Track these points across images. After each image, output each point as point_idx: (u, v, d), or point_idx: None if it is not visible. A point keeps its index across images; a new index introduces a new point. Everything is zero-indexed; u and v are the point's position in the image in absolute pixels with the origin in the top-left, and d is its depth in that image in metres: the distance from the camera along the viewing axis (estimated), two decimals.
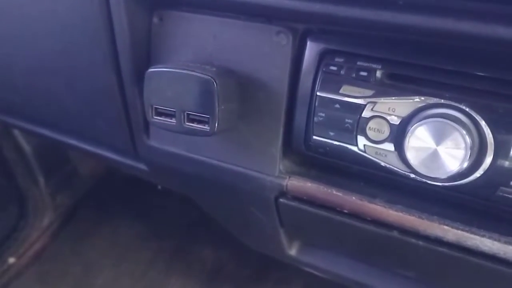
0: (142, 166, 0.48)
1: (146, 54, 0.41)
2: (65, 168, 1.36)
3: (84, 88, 0.45)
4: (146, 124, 0.43)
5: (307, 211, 0.40)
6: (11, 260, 1.26)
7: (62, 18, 0.41)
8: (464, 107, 0.31)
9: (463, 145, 0.30)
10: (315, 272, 0.50)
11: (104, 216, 1.37)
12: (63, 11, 0.40)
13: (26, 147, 1.22)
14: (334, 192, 0.38)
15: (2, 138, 1.19)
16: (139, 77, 0.41)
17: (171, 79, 0.36)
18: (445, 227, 0.34)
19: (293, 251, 0.48)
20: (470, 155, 0.30)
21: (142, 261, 1.26)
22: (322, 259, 0.47)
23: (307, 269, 0.50)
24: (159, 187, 1.14)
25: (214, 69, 0.36)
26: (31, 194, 1.30)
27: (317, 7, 0.32)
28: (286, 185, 0.40)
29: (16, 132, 1.20)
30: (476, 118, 0.31)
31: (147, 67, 0.40)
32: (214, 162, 0.41)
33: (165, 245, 1.28)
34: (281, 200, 0.41)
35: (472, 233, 0.34)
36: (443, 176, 0.31)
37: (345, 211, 0.38)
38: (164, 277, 1.22)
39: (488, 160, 0.31)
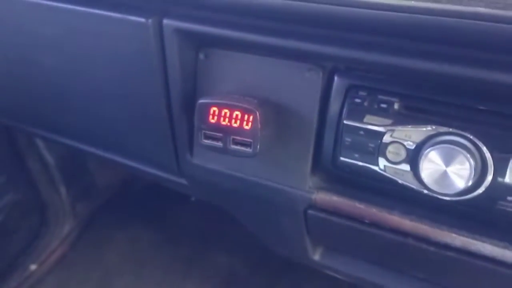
0: (183, 181, 0.55)
1: (193, 85, 0.48)
2: (84, 179, 1.42)
3: (135, 113, 0.51)
4: (191, 145, 0.50)
5: (332, 221, 0.47)
6: (33, 267, 1.32)
7: (121, 54, 0.48)
8: (468, 135, 0.38)
9: (468, 166, 0.37)
10: (336, 275, 0.56)
11: (122, 224, 1.43)
12: (123, 48, 0.47)
13: (50, 159, 1.28)
14: (357, 205, 0.44)
15: (27, 150, 1.26)
16: (186, 106, 0.48)
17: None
18: (453, 234, 0.41)
19: (316, 256, 0.54)
20: (474, 175, 0.37)
21: (160, 267, 1.31)
22: (343, 263, 0.53)
23: (328, 272, 0.56)
24: (193, 198, 1.20)
25: (256, 100, 0.43)
26: (52, 203, 1.36)
27: (345, 53, 0.38)
28: (315, 198, 0.46)
29: (41, 144, 1.26)
30: (478, 144, 0.37)
31: (193, 97, 0.47)
32: (252, 178, 0.48)
33: (181, 252, 1.34)
34: (309, 211, 0.47)
35: (475, 239, 0.40)
36: (452, 192, 0.38)
37: (366, 221, 0.45)
38: (181, 282, 1.27)
39: (489, 178, 0.37)
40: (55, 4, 0.48)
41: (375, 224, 0.44)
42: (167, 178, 0.56)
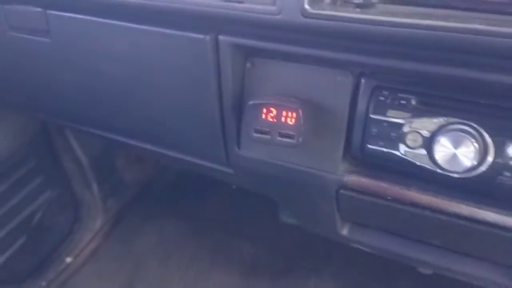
0: (230, 170, 0.64)
1: (241, 89, 0.57)
2: (113, 177, 1.52)
3: (191, 114, 0.61)
4: (238, 139, 0.59)
5: (360, 199, 0.56)
6: (68, 259, 1.42)
7: (181, 64, 0.57)
8: (472, 124, 0.47)
9: (472, 149, 0.46)
10: (361, 247, 0.66)
11: (149, 218, 1.52)
12: (183, 60, 0.57)
13: (83, 159, 1.38)
14: (382, 184, 0.54)
15: (63, 152, 1.36)
16: (235, 106, 0.58)
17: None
18: (462, 205, 0.50)
19: (344, 231, 0.64)
20: (477, 155, 0.46)
21: (187, 256, 1.41)
22: (367, 236, 0.63)
23: (354, 245, 0.66)
24: (234, 186, 1.29)
25: (298, 100, 0.52)
26: (85, 200, 1.46)
27: (370, 60, 0.48)
28: (346, 180, 0.56)
29: (75, 146, 1.36)
30: (481, 131, 0.47)
31: (241, 99, 0.56)
32: (291, 166, 0.57)
33: (206, 242, 1.43)
34: (341, 191, 0.57)
35: (480, 209, 0.49)
36: (460, 170, 0.47)
37: (389, 197, 0.54)
38: (207, 270, 1.37)
39: (490, 158, 0.47)
40: (124, 24, 0.58)
41: (397, 200, 0.54)
42: (216, 169, 0.65)
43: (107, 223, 1.49)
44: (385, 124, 0.50)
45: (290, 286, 1.29)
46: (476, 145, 0.46)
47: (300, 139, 0.52)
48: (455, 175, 0.49)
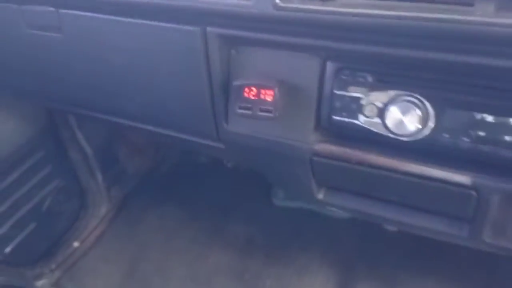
0: (221, 145, 0.74)
1: (227, 72, 0.67)
2: (116, 166, 1.62)
3: (184, 96, 0.71)
4: (226, 116, 0.69)
5: (331, 164, 0.66)
6: (76, 244, 1.51)
7: (174, 53, 0.67)
8: (417, 95, 0.57)
9: (416, 116, 0.56)
10: (336, 210, 0.76)
11: (151, 205, 1.62)
12: (176, 49, 0.67)
13: (89, 150, 1.48)
14: (347, 150, 0.64)
15: (70, 143, 1.45)
16: (223, 87, 0.67)
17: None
18: (413, 165, 0.60)
19: (320, 196, 0.74)
20: (422, 121, 0.56)
21: (187, 238, 1.51)
22: (340, 199, 0.73)
23: (330, 208, 0.76)
24: (229, 164, 1.39)
25: (275, 81, 0.62)
26: (90, 188, 1.55)
27: (334, 46, 0.58)
28: (317, 148, 0.66)
29: (81, 137, 1.46)
30: (424, 101, 0.56)
31: (228, 81, 0.66)
32: (271, 137, 0.67)
33: (204, 225, 1.53)
34: (314, 158, 0.67)
35: (427, 167, 0.59)
36: (407, 134, 0.57)
37: (353, 162, 0.64)
38: (205, 251, 1.47)
39: (431, 123, 0.57)
40: (125, 19, 0.68)
41: (359, 163, 0.64)
42: (209, 145, 0.75)
43: (111, 210, 1.58)
44: (347, 98, 0.60)
45: (283, 263, 1.38)
46: (419, 112, 0.56)
47: (277, 113, 0.62)
48: (405, 139, 0.58)
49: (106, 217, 1.57)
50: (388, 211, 0.70)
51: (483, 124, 0.54)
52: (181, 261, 1.44)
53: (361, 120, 0.60)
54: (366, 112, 0.59)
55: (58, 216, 1.48)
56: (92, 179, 1.53)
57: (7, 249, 1.32)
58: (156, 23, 0.65)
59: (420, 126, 0.56)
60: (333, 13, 0.54)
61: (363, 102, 0.60)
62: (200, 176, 1.69)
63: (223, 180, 1.65)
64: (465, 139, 0.56)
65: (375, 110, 0.59)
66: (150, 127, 0.80)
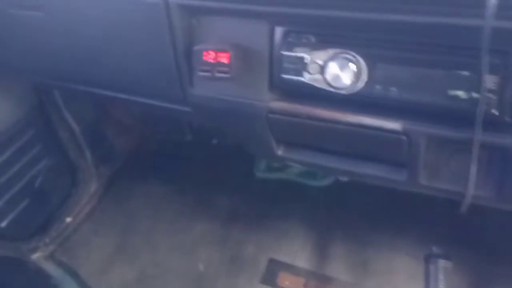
0: (187, 109, 0.82)
1: (190, 39, 0.75)
2: (104, 145, 1.69)
3: (152, 63, 0.78)
4: (191, 80, 0.77)
5: (284, 120, 0.74)
6: (68, 219, 1.58)
7: (142, 22, 0.75)
8: (352, 52, 0.64)
9: (352, 71, 0.64)
10: (295, 164, 0.84)
11: (138, 181, 1.70)
12: (143, 19, 0.74)
13: (76, 127, 1.55)
14: (297, 106, 0.72)
15: (58, 122, 1.52)
16: (186, 53, 0.75)
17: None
18: (353, 115, 0.68)
19: (279, 152, 0.82)
20: (356, 76, 0.64)
21: (173, 211, 1.59)
22: (297, 153, 0.81)
23: (289, 163, 0.84)
24: (214, 141, 1.47)
25: (230, 45, 0.70)
26: (80, 166, 1.62)
27: (280, 11, 0.65)
28: (272, 106, 0.73)
29: (69, 116, 1.53)
30: (358, 57, 0.64)
31: (190, 47, 0.74)
32: (231, 98, 0.75)
33: (189, 199, 1.61)
34: (269, 115, 0.75)
35: (364, 116, 0.67)
36: (344, 87, 0.65)
37: (303, 116, 0.72)
38: (191, 222, 1.55)
39: (364, 78, 0.64)
40: None
41: (308, 118, 0.72)
42: (178, 109, 0.83)
43: (100, 187, 1.66)
44: (293, 58, 0.68)
45: (263, 230, 1.47)
46: (354, 68, 0.64)
47: (233, 74, 0.69)
48: (343, 92, 0.66)
49: (96, 193, 1.65)
50: (338, 162, 0.78)
51: (409, 75, 0.62)
52: (168, 232, 1.53)
53: (306, 77, 0.68)
54: (310, 70, 0.67)
55: (50, 193, 1.55)
56: (81, 157, 1.60)
57: (3, 224, 1.40)
58: None
59: (355, 80, 0.64)
60: None
61: (307, 61, 0.67)
62: (185, 153, 1.76)
63: (207, 156, 1.73)
64: (394, 89, 0.64)
65: (317, 68, 0.67)
66: (124, 96, 0.88)
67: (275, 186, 1.59)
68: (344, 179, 0.89)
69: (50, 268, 1.49)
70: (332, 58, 0.65)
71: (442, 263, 0.82)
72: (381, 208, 1.43)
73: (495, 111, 0.59)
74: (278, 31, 0.69)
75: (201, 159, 1.74)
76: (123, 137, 1.72)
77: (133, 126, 1.73)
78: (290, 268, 1.38)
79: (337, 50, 0.65)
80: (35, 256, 1.50)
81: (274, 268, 1.39)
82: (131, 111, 1.63)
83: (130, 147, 1.74)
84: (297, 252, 1.41)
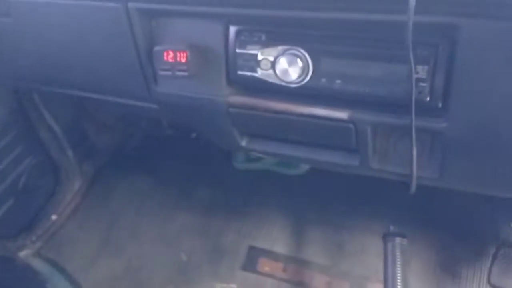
0: (154, 106, 0.87)
1: (151, 40, 0.79)
2: (85, 143, 1.72)
3: (117, 64, 0.83)
4: (155, 78, 0.82)
5: (244, 113, 0.79)
6: (54, 217, 1.62)
7: (104, 27, 0.79)
8: (299, 48, 0.69)
9: (299, 66, 0.69)
10: (258, 154, 0.89)
11: (121, 177, 1.74)
12: (105, 23, 0.78)
13: (57, 127, 1.58)
14: (253, 100, 0.77)
15: (38, 123, 1.55)
16: (149, 53, 0.79)
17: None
18: (303, 107, 0.73)
19: (244, 143, 0.87)
20: (303, 70, 0.69)
21: (155, 204, 1.63)
22: (259, 144, 0.86)
23: (253, 153, 0.89)
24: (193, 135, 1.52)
25: (187, 45, 0.74)
26: (62, 165, 1.65)
27: (234, 12, 0.70)
28: (231, 100, 0.78)
29: (48, 117, 1.56)
30: (304, 53, 0.69)
31: (152, 47, 0.78)
32: (193, 94, 0.80)
33: (171, 192, 1.66)
34: (230, 109, 0.80)
35: (314, 107, 0.72)
36: (293, 81, 0.70)
37: (260, 109, 0.77)
38: (173, 214, 1.59)
39: (310, 72, 0.69)
40: (60, 1, 0.79)
41: (264, 110, 0.77)
42: (146, 106, 0.88)
43: (84, 184, 1.69)
44: (246, 55, 0.73)
45: (243, 219, 1.53)
46: (301, 63, 0.69)
47: (191, 72, 0.74)
48: (293, 85, 0.71)
49: (80, 190, 1.68)
50: (298, 151, 0.84)
51: (351, 68, 0.68)
52: (151, 225, 1.58)
53: (259, 72, 0.73)
54: (262, 66, 0.72)
55: (34, 191, 1.59)
56: (64, 156, 1.64)
57: None
58: (85, 2, 0.77)
59: (302, 74, 0.69)
60: None
61: (259, 57, 0.72)
62: (166, 148, 1.81)
63: (187, 150, 1.78)
64: (338, 81, 0.69)
65: (269, 64, 0.72)
66: (96, 96, 0.92)
67: (253, 176, 1.65)
68: (306, 166, 0.95)
69: (38, 264, 1.54)
70: (281, 54, 0.70)
71: (398, 240, 0.88)
72: (354, 193, 1.50)
73: (427, 98, 0.64)
74: (232, 30, 0.74)
75: (182, 153, 1.79)
76: (105, 135, 1.75)
77: (114, 123, 1.77)
78: (269, 254, 1.44)
79: (286, 47, 0.70)
80: (22, 253, 1.54)
81: (254, 254, 1.44)
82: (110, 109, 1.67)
83: (112, 144, 1.78)
84: (275, 238, 1.47)
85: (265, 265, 1.42)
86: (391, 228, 0.92)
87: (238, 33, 0.73)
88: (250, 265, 1.43)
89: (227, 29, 0.74)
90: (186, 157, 1.76)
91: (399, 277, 0.85)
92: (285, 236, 1.47)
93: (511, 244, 1.16)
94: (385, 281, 0.87)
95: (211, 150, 1.67)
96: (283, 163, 1.61)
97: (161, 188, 1.68)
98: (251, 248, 1.46)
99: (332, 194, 1.53)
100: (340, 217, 1.47)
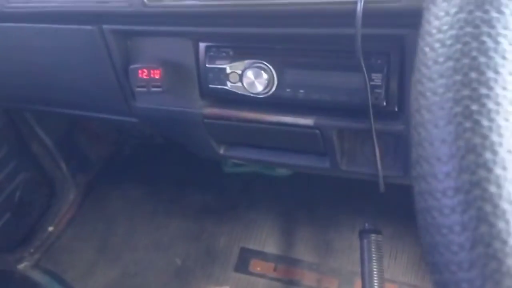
0: (135, 119, 0.91)
1: (127, 59, 0.83)
2: (78, 155, 1.76)
3: (97, 83, 0.87)
4: (133, 94, 0.86)
5: (218, 123, 0.83)
6: (50, 228, 1.66)
7: (81, 49, 0.83)
8: (264, 62, 0.73)
9: (264, 78, 0.73)
10: (237, 161, 0.93)
11: (114, 186, 1.78)
12: (81, 45, 0.82)
13: (48, 142, 1.62)
14: (226, 111, 0.81)
15: (30, 138, 1.59)
16: (125, 71, 0.84)
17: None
18: (272, 115, 0.78)
19: (222, 151, 0.91)
20: (268, 82, 0.73)
21: (149, 211, 1.68)
22: (236, 151, 0.90)
23: (232, 160, 0.93)
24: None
25: (160, 62, 0.79)
26: (57, 177, 1.69)
27: (203, 30, 0.74)
28: (205, 112, 0.83)
29: (39, 131, 1.60)
30: (269, 66, 0.73)
31: (128, 65, 0.83)
32: (170, 108, 0.84)
33: (163, 198, 1.70)
34: (205, 121, 0.84)
35: (282, 115, 0.77)
36: (260, 92, 0.74)
37: (233, 119, 0.81)
38: (166, 220, 1.64)
39: (275, 83, 0.74)
40: (37, 25, 0.84)
41: (237, 120, 0.81)
42: (127, 120, 0.92)
43: (79, 195, 1.74)
44: (216, 70, 0.77)
45: (234, 221, 1.57)
46: (266, 75, 0.73)
47: (165, 88, 0.79)
48: (260, 96, 0.76)
49: (74, 201, 1.73)
50: (273, 156, 0.88)
51: (312, 78, 0.72)
52: (146, 232, 1.62)
53: (229, 85, 0.77)
54: (231, 79, 0.77)
55: (30, 205, 1.63)
56: (57, 169, 1.68)
57: None
58: (62, 26, 0.81)
59: (268, 85, 0.74)
60: (186, 6, 0.70)
61: (227, 71, 0.77)
62: (157, 156, 1.85)
63: (178, 157, 1.82)
64: (302, 91, 0.73)
65: (237, 77, 0.76)
66: (81, 112, 0.96)
67: (242, 179, 1.69)
68: (282, 170, 0.99)
69: (37, 276, 1.58)
70: (248, 68, 0.74)
71: (373, 237, 0.92)
72: (340, 192, 1.54)
73: (383, 103, 0.68)
74: (201, 47, 0.78)
75: (172, 160, 1.83)
76: (97, 146, 1.80)
77: (106, 134, 1.82)
78: (260, 255, 1.48)
79: (252, 61, 0.75)
80: (21, 266, 1.58)
81: (245, 256, 1.49)
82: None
83: (105, 154, 1.82)
84: (265, 239, 1.51)
85: (257, 265, 1.47)
86: (366, 225, 0.96)
87: (207, 49, 0.78)
88: (242, 266, 1.47)
89: (197, 46, 0.78)
90: (176, 163, 1.81)
91: (375, 273, 0.89)
92: (275, 237, 1.51)
93: None
94: (362, 278, 0.91)
95: (200, 157, 1.71)
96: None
97: (153, 195, 1.72)
98: (243, 250, 1.50)
99: (319, 194, 1.58)
100: (327, 216, 1.52)
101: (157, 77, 0.78)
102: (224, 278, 1.46)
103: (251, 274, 1.45)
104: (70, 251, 1.63)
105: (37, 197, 1.66)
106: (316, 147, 0.80)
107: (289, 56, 0.73)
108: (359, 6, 0.59)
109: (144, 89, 0.79)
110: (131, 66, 0.79)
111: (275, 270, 1.44)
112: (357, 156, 0.81)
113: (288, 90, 0.74)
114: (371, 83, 0.66)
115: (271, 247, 1.49)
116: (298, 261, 1.44)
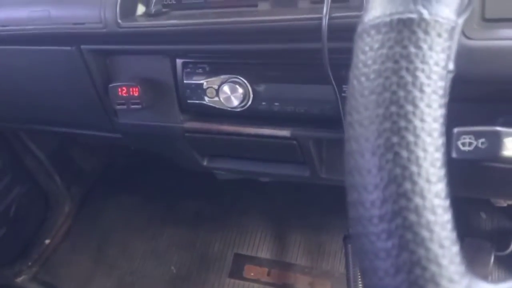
0: (118, 135, 0.93)
1: (107, 77, 0.85)
2: (72, 167, 1.78)
3: (80, 101, 0.89)
4: (115, 111, 0.88)
5: (199, 137, 0.85)
6: (47, 241, 1.68)
7: (62, 69, 0.85)
8: (240, 77, 0.75)
9: (239, 92, 0.75)
10: (220, 172, 0.95)
11: (109, 197, 1.80)
12: (61, 66, 0.84)
13: (42, 156, 1.64)
14: (205, 124, 0.83)
15: (23, 153, 1.61)
16: (106, 89, 0.85)
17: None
18: (249, 128, 0.79)
19: (205, 163, 0.93)
20: (244, 96, 0.75)
21: (143, 220, 1.69)
22: (219, 162, 0.92)
23: (215, 171, 0.95)
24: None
25: (138, 80, 0.80)
26: (51, 190, 1.71)
27: (180, 48, 0.76)
28: (186, 126, 0.84)
29: (32, 146, 1.62)
30: (245, 81, 0.75)
31: (108, 83, 0.84)
32: (151, 123, 0.86)
33: (158, 207, 1.72)
34: (186, 134, 0.86)
35: (259, 128, 0.78)
36: (237, 106, 0.76)
37: (213, 132, 0.83)
38: (161, 228, 1.66)
39: (251, 97, 0.75)
40: (18, 47, 0.85)
41: (218, 133, 0.83)
42: (110, 136, 0.94)
43: (74, 207, 1.75)
44: (193, 85, 0.79)
45: (227, 228, 1.59)
46: (241, 90, 0.75)
47: (144, 104, 0.80)
48: (238, 109, 0.77)
49: (70, 214, 1.74)
50: (255, 166, 0.90)
51: (285, 91, 0.74)
52: (141, 241, 1.64)
53: (206, 100, 0.79)
54: (208, 94, 0.78)
55: (26, 219, 1.65)
56: (52, 182, 1.70)
57: None
58: (41, 47, 0.83)
59: (244, 99, 0.75)
60: (160, 25, 0.72)
61: (204, 86, 0.78)
62: (151, 165, 1.87)
63: (171, 166, 1.83)
64: (277, 104, 0.75)
65: (214, 92, 0.78)
66: (64, 129, 0.98)
67: (235, 186, 1.70)
68: (265, 179, 1.01)
69: None
70: (224, 83, 0.76)
71: None
72: (330, 195, 1.55)
73: None
74: (179, 63, 0.79)
75: (166, 169, 1.84)
76: (90, 158, 1.81)
77: (100, 147, 1.83)
78: (254, 260, 1.50)
79: (227, 76, 0.76)
80: (20, 279, 1.60)
81: (239, 261, 1.51)
82: None
83: (98, 166, 1.84)
84: (259, 244, 1.53)
85: (250, 271, 1.48)
86: (350, 230, 0.97)
87: (184, 65, 0.79)
88: (236, 272, 1.49)
89: (174, 62, 0.80)
90: (169, 172, 1.82)
91: (360, 277, 0.90)
92: (268, 242, 1.53)
93: (477, 234, 1.21)
94: (348, 282, 0.93)
95: None
96: None
97: (147, 205, 1.74)
98: (237, 256, 1.52)
99: (310, 198, 1.59)
100: (318, 220, 1.53)
101: (136, 94, 0.80)
102: (219, 284, 1.47)
103: (245, 279, 1.46)
104: (67, 263, 1.65)
105: (33, 210, 1.67)
106: (295, 157, 0.82)
107: (263, 70, 0.74)
108: (324, 22, 0.61)
109: (124, 107, 0.81)
110: (110, 85, 0.81)
111: (268, 274, 1.46)
112: (336, 164, 0.83)
113: (263, 103, 0.76)
114: (342, 94, 0.67)
115: (264, 252, 1.50)
116: (291, 265, 1.46)
